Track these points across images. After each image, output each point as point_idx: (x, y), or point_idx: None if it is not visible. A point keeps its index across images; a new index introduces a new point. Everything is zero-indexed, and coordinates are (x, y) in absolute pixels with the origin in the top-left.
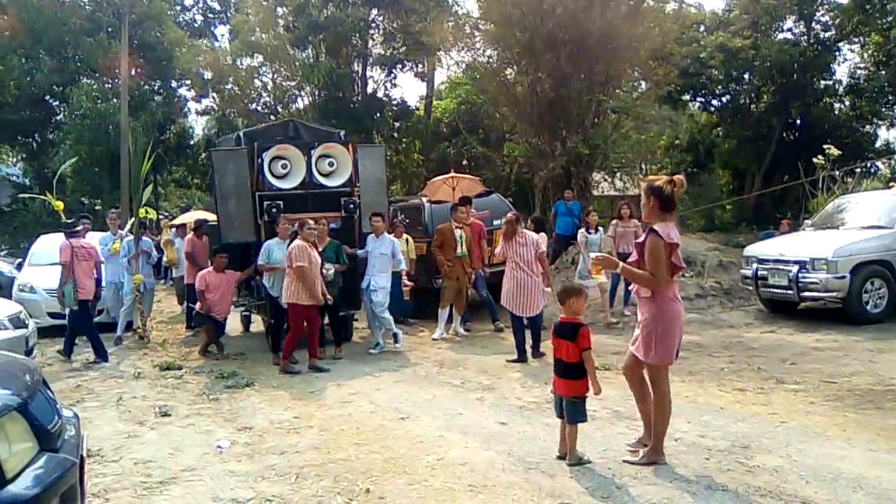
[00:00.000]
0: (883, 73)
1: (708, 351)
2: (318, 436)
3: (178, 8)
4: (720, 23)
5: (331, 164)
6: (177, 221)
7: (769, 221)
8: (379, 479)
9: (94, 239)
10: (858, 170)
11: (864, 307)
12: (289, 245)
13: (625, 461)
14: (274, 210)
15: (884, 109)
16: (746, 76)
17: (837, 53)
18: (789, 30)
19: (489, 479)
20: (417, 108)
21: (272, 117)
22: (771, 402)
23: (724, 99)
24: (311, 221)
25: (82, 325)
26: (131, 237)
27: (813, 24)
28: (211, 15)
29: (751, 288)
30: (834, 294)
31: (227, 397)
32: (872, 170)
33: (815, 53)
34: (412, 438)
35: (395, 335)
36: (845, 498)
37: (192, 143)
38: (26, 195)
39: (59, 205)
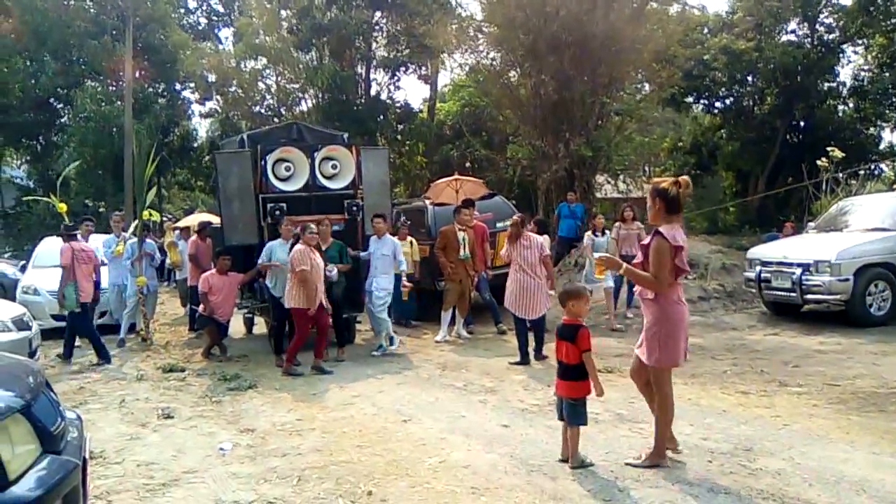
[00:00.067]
0: (887, 75)
1: (711, 353)
2: (321, 438)
3: (182, 11)
4: (724, 25)
5: (334, 167)
6: (180, 224)
7: (772, 224)
8: (381, 481)
9: (97, 241)
10: (862, 172)
11: (867, 310)
12: (291, 247)
13: (627, 464)
14: (277, 212)
15: (888, 111)
16: (750, 78)
17: (841, 55)
18: (793, 32)
19: (491, 481)
20: (421, 111)
21: (276, 120)
22: (774, 404)
23: (727, 101)
24: (313, 225)
25: (83, 327)
26: (135, 239)
27: (817, 26)
28: (215, 18)
29: (754, 290)
30: (837, 297)
31: (229, 399)
32: (876, 172)
33: (818, 55)
34: (414, 441)
35: (391, 339)
36: (848, 501)
37: (195, 145)
38: (30, 197)
39: (63, 207)
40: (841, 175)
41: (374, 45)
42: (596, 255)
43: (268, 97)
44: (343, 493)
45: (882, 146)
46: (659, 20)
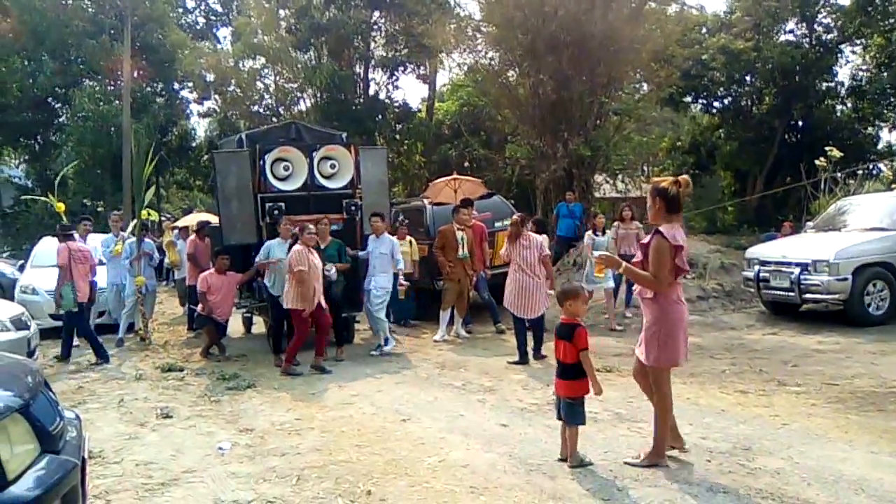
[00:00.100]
0: (885, 74)
1: (709, 353)
2: (320, 437)
3: (181, 10)
4: (722, 25)
5: (332, 166)
6: (179, 223)
7: (771, 223)
8: (380, 480)
9: (96, 241)
10: (860, 172)
11: (865, 309)
12: (290, 246)
13: (626, 463)
14: (276, 212)
15: (886, 111)
16: (748, 78)
17: (839, 55)
18: (791, 32)
19: (490, 480)
20: (419, 110)
21: (274, 119)
22: (772, 404)
23: (725, 101)
24: (311, 226)
25: (80, 327)
26: (133, 239)
27: (815, 26)
28: (213, 17)
29: (752, 290)
30: (836, 296)
31: (228, 399)
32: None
33: (816, 55)
34: (413, 440)
35: (386, 339)
36: (847, 500)
37: (193, 145)
38: (28, 197)
39: (61, 206)
40: (839, 175)
41: (372, 44)
42: (596, 253)
43: (266, 97)
44: (342, 493)
45: (880, 146)
46: (657, 20)
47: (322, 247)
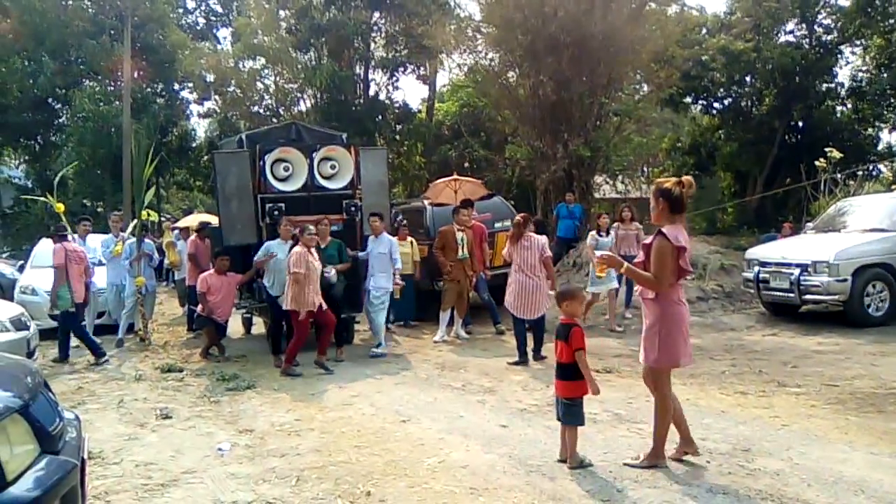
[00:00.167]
0: (885, 75)
1: (709, 354)
2: (319, 438)
3: (181, 11)
4: (722, 25)
5: (332, 167)
6: (180, 224)
7: (771, 224)
8: (380, 481)
9: (96, 241)
10: (860, 173)
11: (865, 310)
12: (290, 248)
13: (625, 464)
14: (276, 212)
15: (886, 112)
16: (748, 79)
17: (839, 56)
18: (791, 32)
19: (490, 481)
20: (419, 111)
21: (274, 120)
22: (772, 405)
23: (725, 102)
24: (311, 227)
25: (74, 328)
26: (133, 239)
27: (815, 26)
28: (213, 18)
29: (752, 291)
30: (835, 297)
31: (228, 400)
32: (874, 173)
33: (816, 56)
34: (413, 441)
35: (379, 343)
36: (846, 501)
37: (194, 145)
38: (28, 197)
39: (60, 207)
40: (839, 176)
41: (372, 45)
42: (598, 253)
43: (266, 97)
44: (342, 494)
45: (880, 147)
46: (657, 21)
47: (322, 247)
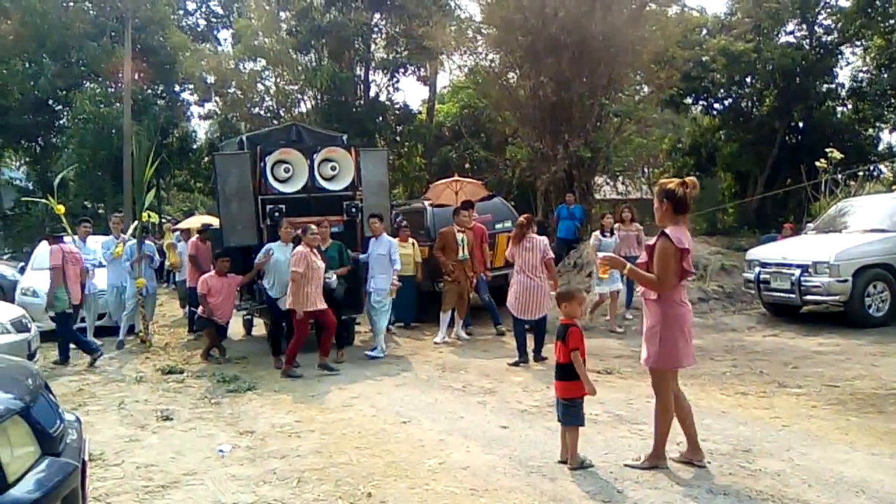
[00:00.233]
0: (885, 76)
1: (710, 355)
2: (320, 440)
3: (182, 12)
4: (722, 26)
5: (333, 168)
6: (181, 226)
7: (771, 225)
8: (380, 483)
9: (96, 243)
10: (861, 173)
11: (866, 311)
12: (292, 250)
13: (626, 465)
14: (276, 214)
15: (886, 113)
16: (749, 79)
17: (840, 57)
18: (791, 33)
19: (490, 482)
20: (420, 112)
21: (275, 121)
22: (773, 405)
23: (726, 102)
24: (314, 226)
25: (67, 330)
26: (134, 241)
27: (815, 27)
28: (214, 19)
29: (753, 292)
30: (836, 298)
31: (228, 401)
32: (875, 173)
33: (817, 57)
34: (413, 442)
35: (375, 346)
36: (847, 502)
37: (194, 146)
38: (29, 199)
39: (61, 208)
40: (840, 176)
41: (372, 46)
42: (600, 254)
43: (267, 99)
44: (342, 495)
45: (881, 147)
46: (658, 21)
47: (323, 248)
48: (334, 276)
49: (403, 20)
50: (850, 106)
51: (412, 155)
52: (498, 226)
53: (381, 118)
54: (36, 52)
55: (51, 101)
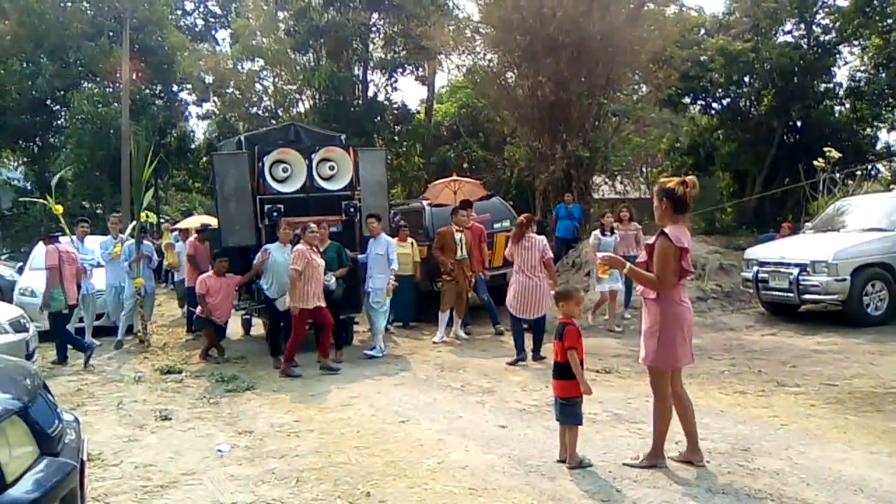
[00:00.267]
0: (883, 75)
1: (708, 354)
2: (319, 439)
3: (180, 12)
4: (720, 26)
5: (331, 168)
6: (179, 225)
7: (770, 224)
8: (379, 482)
9: (94, 243)
10: (859, 172)
11: (864, 310)
12: (290, 250)
13: (625, 464)
14: (275, 214)
15: (884, 112)
16: (747, 79)
17: (837, 56)
18: (789, 33)
19: (489, 482)
20: (418, 112)
21: (273, 121)
22: (771, 404)
23: (724, 102)
24: (314, 225)
25: (61, 330)
26: (132, 241)
27: (813, 27)
28: (212, 19)
29: (751, 291)
30: (834, 297)
31: (227, 401)
32: (873, 172)
33: (815, 56)
34: (412, 442)
35: (373, 346)
36: (846, 500)
37: (193, 147)
38: (27, 199)
39: (59, 209)
40: (838, 175)
41: (371, 46)
42: (599, 254)
43: (265, 98)
44: (341, 495)
45: (878, 146)
46: (656, 21)
47: (321, 249)
48: (333, 279)
49: (401, 20)
50: (847, 105)
51: (410, 155)
52: (496, 225)
53: (379, 118)
54: (34, 52)
55: (49, 101)
